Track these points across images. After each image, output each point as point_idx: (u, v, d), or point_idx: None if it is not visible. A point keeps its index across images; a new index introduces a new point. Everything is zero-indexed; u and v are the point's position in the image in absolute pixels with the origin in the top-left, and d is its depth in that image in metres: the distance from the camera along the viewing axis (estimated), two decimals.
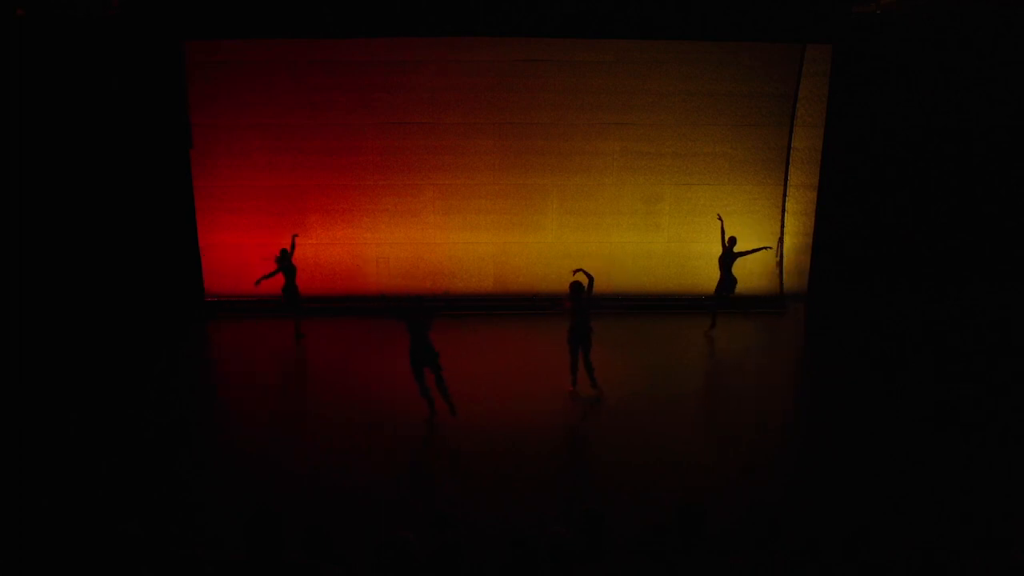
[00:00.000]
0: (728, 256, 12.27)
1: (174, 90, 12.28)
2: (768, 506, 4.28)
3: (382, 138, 13.52)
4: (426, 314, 9.25)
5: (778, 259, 14.44)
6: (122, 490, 7.67)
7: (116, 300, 11.14)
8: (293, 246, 12.03)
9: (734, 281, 12.35)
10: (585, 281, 10.00)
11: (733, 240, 12.34)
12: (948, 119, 9.88)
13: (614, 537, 4.50)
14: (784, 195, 14.15)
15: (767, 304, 14.38)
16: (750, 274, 14.52)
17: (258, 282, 11.57)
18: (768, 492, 7.28)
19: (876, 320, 11.46)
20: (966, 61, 9.68)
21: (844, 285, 11.84)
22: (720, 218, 12.38)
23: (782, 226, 14.28)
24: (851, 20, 10.84)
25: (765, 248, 12.38)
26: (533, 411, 9.85)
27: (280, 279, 12.02)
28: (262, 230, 13.81)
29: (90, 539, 4.14)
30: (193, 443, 8.97)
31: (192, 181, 12.96)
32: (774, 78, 13.46)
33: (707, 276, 14.33)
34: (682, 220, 14.16)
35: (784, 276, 14.50)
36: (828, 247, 12.04)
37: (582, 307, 10.01)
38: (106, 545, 4.03)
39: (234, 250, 13.83)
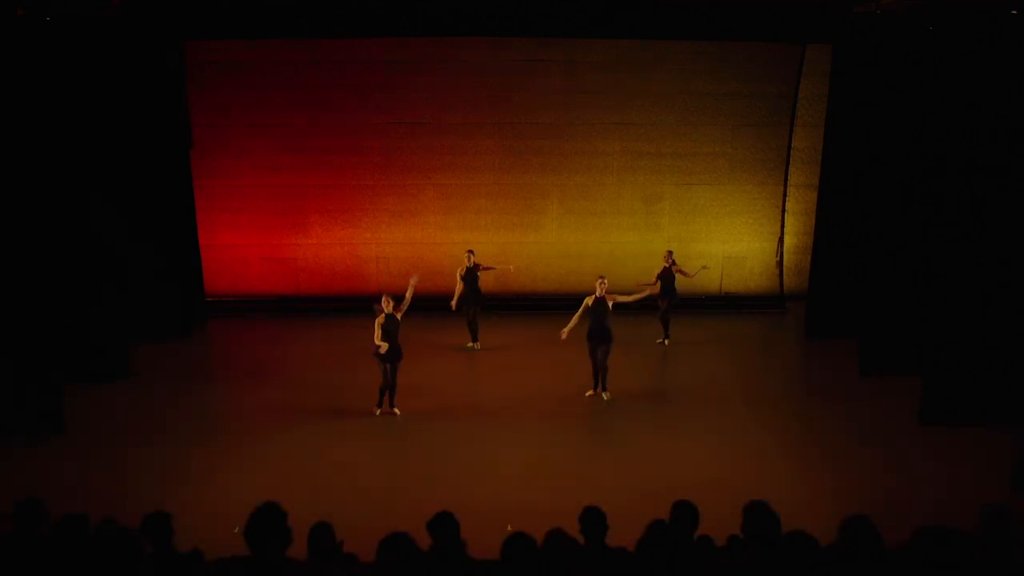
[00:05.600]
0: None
1: (174, 90, 12.27)
2: (768, 505, 4.27)
3: (382, 138, 13.53)
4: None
5: (778, 259, 14.45)
6: (122, 490, 7.68)
7: (116, 300, 11.10)
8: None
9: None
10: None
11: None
12: (949, 119, 9.86)
13: (614, 536, 4.50)
14: (784, 195, 14.17)
15: (767, 304, 14.40)
16: (750, 274, 14.56)
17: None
18: (768, 491, 7.29)
19: (876, 320, 11.43)
20: (967, 61, 9.66)
21: (844, 285, 11.83)
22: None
23: (782, 226, 14.28)
24: (851, 20, 10.82)
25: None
26: (533, 410, 9.86)
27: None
28: (262, 230, 13.83)
29: (90, 539, 4.14)
30: (194, 442, 8.96)
31: (192, 181, 12.97)
32: (774, 78, 13.48)
33: (708, 276, 14.34)
34: (682, 220, 14.17)
35: (784, 276, 14.51)
36: (828, 247, 12.03)
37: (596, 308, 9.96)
38: (106, 545, 4.03)
39: (234, 250, 13.85)
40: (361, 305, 12.51)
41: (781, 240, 14.32)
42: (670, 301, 12.27)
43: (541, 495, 7.60)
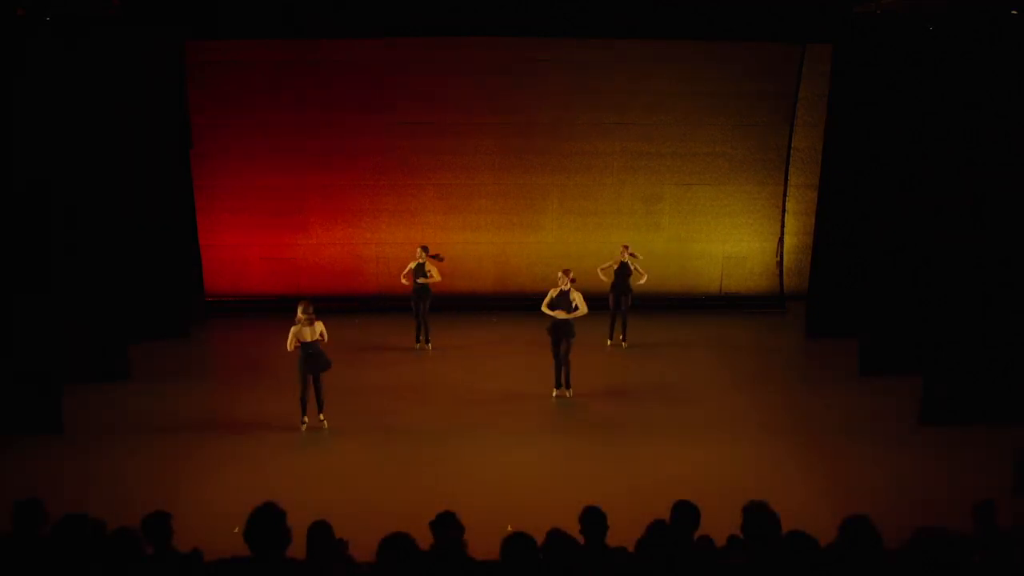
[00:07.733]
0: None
1: (174, 90, 12.26)
2: (768, 505, 4.27)
3: (382, 138, 13.53)
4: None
5: (778, 259, 14.45)
6: (122, 490, 7.68)
7: (116, 300, 11.12)
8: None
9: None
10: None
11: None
12: (949, 119, 9.87)
13: (614, 536, 4.50)
14: (784, 195, 14.17)
15: (767, 304, 14.40)
16: (750, 274, 14.56)
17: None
18: (768, 491, 7.30)
19: (876, 320, 11.45)
20: (967, 61, 9.67)
21: (844, 285, 11.83)
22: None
23: (782, 226, 14.28)
24: (851, 20, 10.83)
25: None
26: (534, 410, 9.86)
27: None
28: (262, 230, 13.83)
29: (90, 539, 4.14)
30: (193, 442, 8.96)
31: (192, 181, 12.97)
32: (774, 78, 13.48)
33: (708, 276, 14.37)
34: (682, 220, 14.18)
35: (784, 276, 14.51)
36: (828, 247, 12.03)
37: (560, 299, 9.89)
38: (106, 545, 4.03)
39: (234, 250, 13.85)
40: (361, 305, 12.57)
41: (781, 240, 14.32)
42: (627, 298, 11.97)
43: (541, 495, 7.60)
